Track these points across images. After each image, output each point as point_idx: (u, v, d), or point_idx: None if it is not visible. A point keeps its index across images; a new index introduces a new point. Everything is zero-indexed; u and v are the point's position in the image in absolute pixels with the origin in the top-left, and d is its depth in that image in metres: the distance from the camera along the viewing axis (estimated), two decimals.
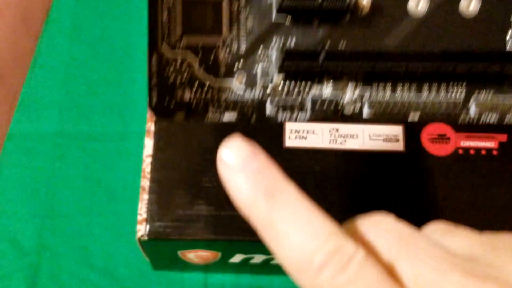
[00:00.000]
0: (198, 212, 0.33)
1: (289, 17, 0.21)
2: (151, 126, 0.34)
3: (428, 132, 0.34)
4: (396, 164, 0.34)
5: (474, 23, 0.21)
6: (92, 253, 0.41)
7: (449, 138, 0.34)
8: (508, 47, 0.21)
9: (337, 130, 0.34)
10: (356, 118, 0.22)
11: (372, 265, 0.17)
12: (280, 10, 0.21)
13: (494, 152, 0.34)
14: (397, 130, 0.34)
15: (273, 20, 0.21)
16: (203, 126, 0.35)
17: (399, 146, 0.34)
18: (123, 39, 0.48)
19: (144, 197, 0.33)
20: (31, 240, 0.41)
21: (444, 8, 0.21)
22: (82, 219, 0.42)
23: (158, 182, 0.33)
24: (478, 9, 0.21)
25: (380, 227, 0.18)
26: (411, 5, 0.22)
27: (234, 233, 0.33)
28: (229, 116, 0.21)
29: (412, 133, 0.34)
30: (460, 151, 0.34)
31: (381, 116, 0.21)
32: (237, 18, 0.21)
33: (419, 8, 0.21)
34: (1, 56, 0.20)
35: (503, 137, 0.35)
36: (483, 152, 0.34)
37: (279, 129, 0.31)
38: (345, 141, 0.34)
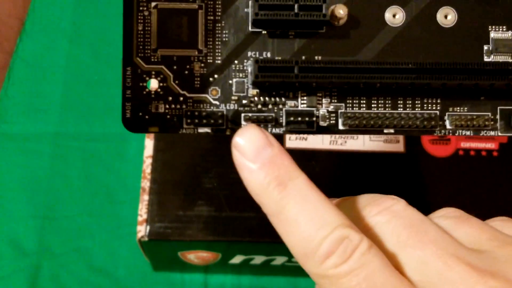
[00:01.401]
0: (198, 213, 0.33)
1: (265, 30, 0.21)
2: None
3: None
4: (397, 165, 0.34)
5: (451, 34, 0.21)
6: (93, 254, 0.41)
7: (449, 139, 0.34)
8: (485, 60, 0.21)
9: None
10: (332, 129, 0.22)
11: (375, 255, 0.17)
12: (255, 22, 0.21)
13: (495, 153, 0.34)
14: None
15: (248, 33, 0.21)
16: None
17: (400, 147, 0.34)
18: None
19: (145, 198, 0.33)
20: (31, 241, 0.41)
21: (421, 19, 0.22)
22: (82, 219, 0.42)
23: (159, 183, 0.33)
24: (456, 20, 0.22)
25: (392, 212, 0.19)
26: (388, 15, 0.22)
27: (234, 234, 0.33)
28: (203, 130, 0.22)
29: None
30: (461, 152, 0.34)
31: (356, 128, 0.22)
32: (213, 31, 0.21)
33: (396, 18, 0.22)
34: None
35: (503, 138, 0.35)
36: (484, 153, 0.34)
37: None
38: (346, 142, 0.34)
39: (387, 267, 0.17)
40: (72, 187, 0.43)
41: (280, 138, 0.32)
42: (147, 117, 0.21)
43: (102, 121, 0.45)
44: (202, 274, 0.40)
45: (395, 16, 0.22)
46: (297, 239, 0.18)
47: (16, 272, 0.40)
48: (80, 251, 0.41)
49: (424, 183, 0.34)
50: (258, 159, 0.18)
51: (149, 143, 0.34)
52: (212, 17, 0.21)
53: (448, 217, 0.19)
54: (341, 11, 0.21)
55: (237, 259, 0.37)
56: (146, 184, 0.33)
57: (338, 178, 0.34)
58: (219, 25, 0.21)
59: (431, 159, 0.34)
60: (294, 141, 0.33)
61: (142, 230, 0.32)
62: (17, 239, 0.41)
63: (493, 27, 0.22)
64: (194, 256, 0.36)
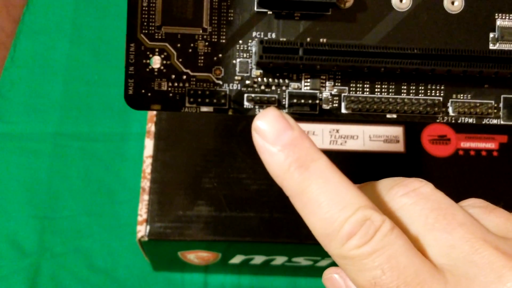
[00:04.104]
0: (198, 213, 0.33)
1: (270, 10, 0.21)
2: (151, 127, 0.34)
3: (429, 133, 0.34)
4: (397, 165, 0.34)
5: (458, 20, 0.21)
6: (93, 254, 0.41)
7: (449, 139, 0.34)
8: (490, 48, 0.21)
9: (337, 131, 0.34)
10: (334, 113, 0.22)
11: (397, 237, 0.17)
12: (261, 2, 0.21)
13: (495, 153, 0.34)
14: (397, 131, 0.34)
15: (254, 13, 0.21)
16: (204, 127, 0.35)
17: (400, 147, 0.34)
18: (123, 39, 0.48)
19: (145, 198, 0.33)
20: (31, 241, 0.41)
21: (428, 4, 0.21)
22: (82, 219, 0.42)
23: (159, 183, 0.33)
24: (463, 6, 0.22)
25: (419, 194, 0.19)
26: (394, 0, 0.22)
27: (234, 234, 0.33)
28: (205, 109, 0.22)
29: (413, 134, 0.34)
30: (461, 152, 0.34)
31: (359, 112, 0.22)
32: (218, 9, 0.21)
33: (403, 2, 0.22)
34: None
35: (504, 138, 0.35)
36: (484, 153, 0.34)
37: None
38: (346, 142, 0.34)
39: (409, 248, 0.17)
40: (72, 187, 0.43)
41: None
42: (149, 94, 0.21)
43: (102, 121, 0.45)
44: (202, 274, 0.40)
45: (402, 1, 0.21)
46: (319, 220, 0.18)
47: (16, 272, 0.40)
48: (80, 251, 0.41)
49: None
50: (278, 141, 0.18)
51: (149, 143, 0.34)
52: None
53: (475, 207, 0.20)
54: None
55: (237, 259, 0.37)
56: (146, 184, 0.33)
57: None
58: (225, 4, 0.21)
59: (431, 159, 0.34)
60: None
61: (142, 230, 0.32)
62: (17, 239, 0.41)
63: (500, 15, 0.22)
64: (194, 256, 0.36)
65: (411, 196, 0.19)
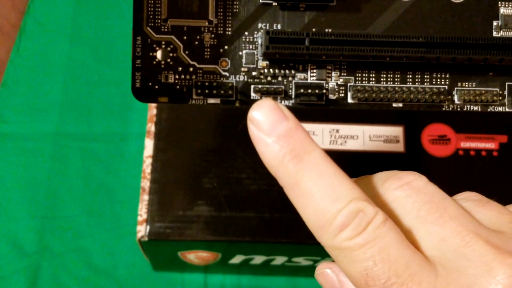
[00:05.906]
0: (198, 213, 0.33)
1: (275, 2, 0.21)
2: (151, 127, 0.34)
3: (429, 133, 0.35)
4: (397, 165, 0.34)
5: (461, 9, 0.22)
6: (92, 254, 0.41)
7: (449, 139, 0.34)
8: (494, 35, 0.22)
9: (337, 131, 0.34)
10: (341, 102, 0.22)
11: (390, 229, 0.17)
12: None
13: (495, 153, 0.34)
14: (397, 131, 0.34)
15: (259, 4, 0.21)
16: (204, 127, 0.35)
17: (400, 147, 0.34)
18: (123, 39, 0.48)
19: (145, 198, 0.33)
20: (31, 241, 0.41)
21: None
22: (82, 219, 0.42)
23: (159, 183, 0.33)
24: None
25: (412, 187, 0.19)
26: None
27: (234, 234, 0.33)
28: (212, 101, 0.22)
29: (413, 134, 0.34)
30: (461, 152, 0.34)
31: (365, 102, 0.22)
32: (224, 1, 0.22)
33: None
34: None
35: (503, 138, 0.35)
36: (484, 153, 0.34)
37: None
38: (346, 142, 0.34)
39: (401, 240, 0.17)
40: (72, 187, 0.43)
41: None
42: (156, 87, 0.21)
43: (102, 121, 0.45)
44: (202, 274, 0.40)
45: None
46: (312, 212, 0.18)
47: (16, 272, 0.40)
48: (80, 251, 0.41)
49: None
50: (273, 132, 0.18)
51: (149, 143, 0.34)
52: None
53: (469, 200, 0.20)
54: None
55: (237, 259, 0.37)
56: (146, 184, 0.33)
57: None
58: None
59: (431, 159, 0.34)
60: None
61: (142, 230, 0.32)
62: (17, 239, 0.41)
63: (503, 3, 0.22)
64: (194, 256, 0.36)
65: (404, 189, 0.19)
